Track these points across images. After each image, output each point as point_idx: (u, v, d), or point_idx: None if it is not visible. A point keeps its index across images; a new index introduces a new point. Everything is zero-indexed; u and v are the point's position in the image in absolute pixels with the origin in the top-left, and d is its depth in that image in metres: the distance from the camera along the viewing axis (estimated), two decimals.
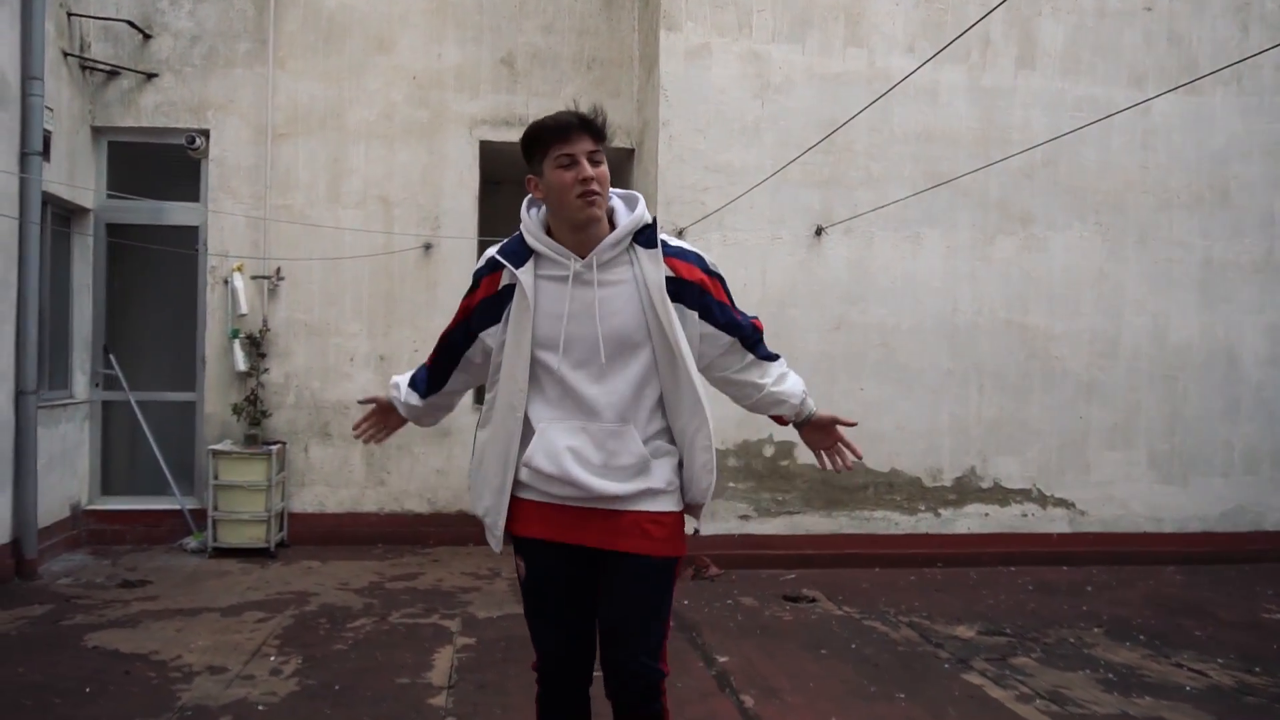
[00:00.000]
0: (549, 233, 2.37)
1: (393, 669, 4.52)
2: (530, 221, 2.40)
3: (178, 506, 7.13)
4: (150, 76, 7.12)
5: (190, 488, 7.28)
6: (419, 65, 7.40)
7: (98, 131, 7.16)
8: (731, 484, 6.65)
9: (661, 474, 2.40)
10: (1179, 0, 7.15)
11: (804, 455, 6.77)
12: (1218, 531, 7.20)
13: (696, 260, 2.41)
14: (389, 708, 4.03)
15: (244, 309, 7.06)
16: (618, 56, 7.59)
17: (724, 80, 6.71)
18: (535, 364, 2.37)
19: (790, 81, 6.77)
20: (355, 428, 2.83)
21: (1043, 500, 7.03)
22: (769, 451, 6.74)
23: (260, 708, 4.00)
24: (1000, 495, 6.99)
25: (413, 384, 2.69)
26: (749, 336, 2.50)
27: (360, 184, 7.33)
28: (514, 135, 7.38)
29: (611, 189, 2.36)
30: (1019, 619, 5.63)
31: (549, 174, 2.29)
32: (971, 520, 6.94)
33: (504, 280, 2.39)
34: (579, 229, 2.32)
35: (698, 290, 2.39)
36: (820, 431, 2.69)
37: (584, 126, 2.27)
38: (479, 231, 7.54)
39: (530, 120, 7.44)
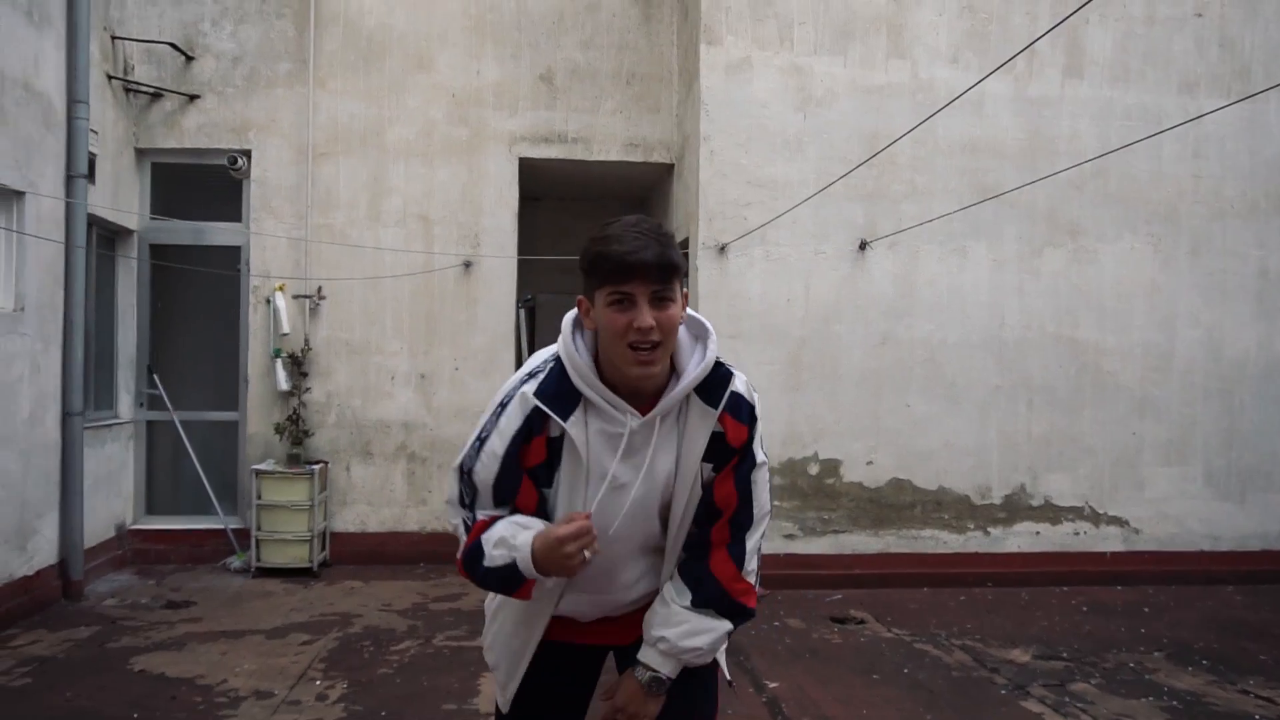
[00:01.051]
0: (598, 368, 1.94)
1: (439, 694, 4.48)
2: (579, 358, 1.93)
3: (221, 526, 7.14)
4: (193, 98, 7.17)
5: (234, 507, 7.29)
6: (458, 83, 7.40)
7: (141, 153, 7.21)
8: (776, 502, 6.55)
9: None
10: (1230, 5, 6.99)
11: (850, 473, 6.68)
12: (1278, 550, 7.00)
13: (749, 419, 2.01)
14: None
15: (286, 328, 7.08)
16: (657, 71, 7.55)
17: (765, 94, 6.64)
18: None
19: (832, 94, 6.69)
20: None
21: (1095, 518, 6.87)
22: (814, 469, 6.64)
23: None
24: (1051, 513, 6.84)
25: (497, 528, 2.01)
26: (707, 509, 2.03)
27: (400, 202, 7.33)
28: (553, 151, 7.42)
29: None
30: (1075, 642, 5.48)
31: (600, 310, 1.87)
32: (1022, 539, 6.79)
33: (551, 432, 1.94)
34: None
35: (730, 456, 2.00)
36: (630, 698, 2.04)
37: (650, 270, 1.83)
38: (519, 248, 7.51)
39: (571, 138, 7.42)
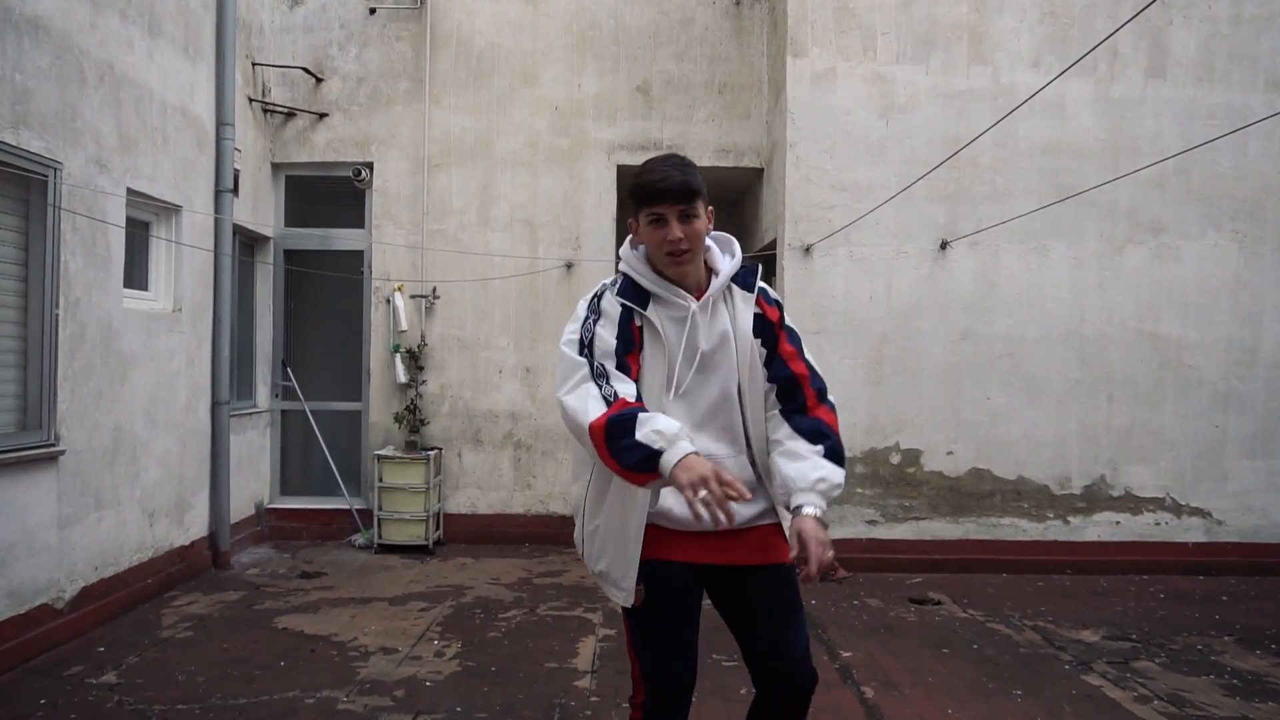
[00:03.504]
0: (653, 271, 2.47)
1: (542, 655, 4.99)
2: (638, 263, 2.48)
3: (347, 506, 7.84)
4: (321, 116, 7.88)
5: (358, 489, 7.99)
6: (560, 96, 7.93)
7: (276, 167, 7.96)
8: (859, 490, 6.91)
9: (765, 494, 2.51)
10: None
11: (930, 463, 6.97)
12: None
13: (775, 303, 2.56)
14: (540, 688, 4.49)
15: (404, 326, 7.73)
16: (748, 81, 7.95)
17: (849, 102, 6.98)
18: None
19: (914, 101, 6.98)
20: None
21: (1177, 509, 7.01)
22: (895, 459, 6.96)
23: (428, 684, 4.52)
24: (1132, 504, 7.01)
25: (639, 415, 2.23)
26: (788, 383, 2.49)
27: (507, 209, 7.91)
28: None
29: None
30: (1146, 625, 5.70)
31: (644, 227, 2.43)
32: (1102, 528, 6.99)
33: (636, 321, 2.44)
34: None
35: (773, 330, 2.52)
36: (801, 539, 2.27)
37: (676, 194, 2.34)
38: (617, 251, 7.99)
39: (665, 146, 8.03)
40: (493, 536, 7.82)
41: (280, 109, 7.81)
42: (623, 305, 2.43)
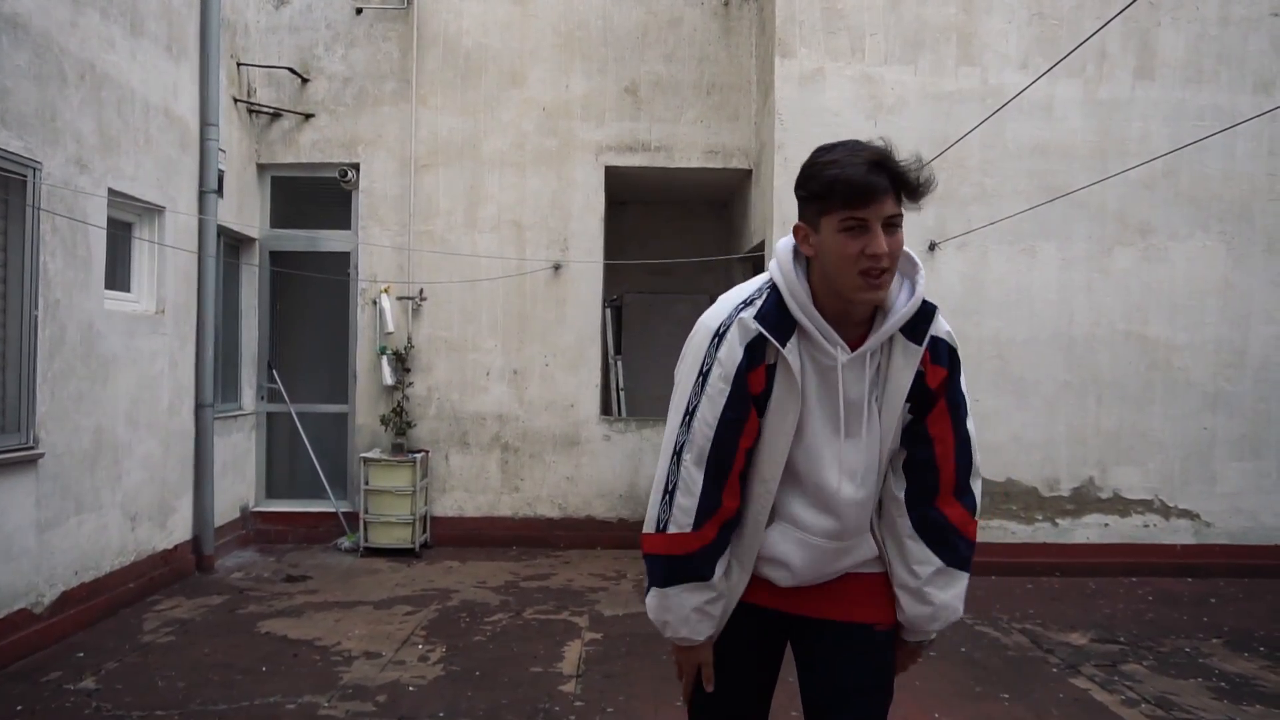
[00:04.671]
0: (814, 297, 1.94)
1: (527, 659, 4.95)
2: (799, 287, 1.93)
3: (333, 509, 7.79)
4: (308, 116, 7.83)
5: (344, 492, 7.93)
6: (548, 96, 7.90)
7: (262, 168, 7.91)
8: None
9: (873, 543, 2.12)
10: None
11: None
12: None
13: (948, 362, 2.01)
14: (524, 692, 4.45)
15: (391, 328, 7.68)
16: (736, 81, 7.93)
17: (837, 103, 6.95)
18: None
19: (903, 102, 6.97)
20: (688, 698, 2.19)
21: (1165, 511, 7.00)
22: None
23: (411, 688, 4.48)
24: (1120, 505, 6.99)
25: (704, 559, 1.99)
26: (923, 467, 2.04)
27: (495, 210, 7.87)
28: (637, 160, 7.86)
29: None
30: (1134, 628, 5.68)
31: (828, 235, 1.83)
32: (1090, 530, 6.97)
33: (769, 359, 1.94)
34: (849, 304, 1.91)
35: (930, 398, 2.01)
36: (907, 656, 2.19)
37: (887, 196, 1.81)
38: (606, 251, 7.98)
39: (654, 147, 7.90)
40: (480, 540, 7.77)
41: (266, 109, 7.76)
42: (752, 340, 1.92)
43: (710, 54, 7.93)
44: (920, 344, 1.94)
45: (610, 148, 7.92)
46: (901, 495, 2.05)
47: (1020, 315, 6.99)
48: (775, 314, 1.92)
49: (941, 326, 2.00)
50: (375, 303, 7.78)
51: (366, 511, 7.41)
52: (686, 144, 7.91)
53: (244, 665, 4.77)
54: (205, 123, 6.75)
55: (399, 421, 7.68)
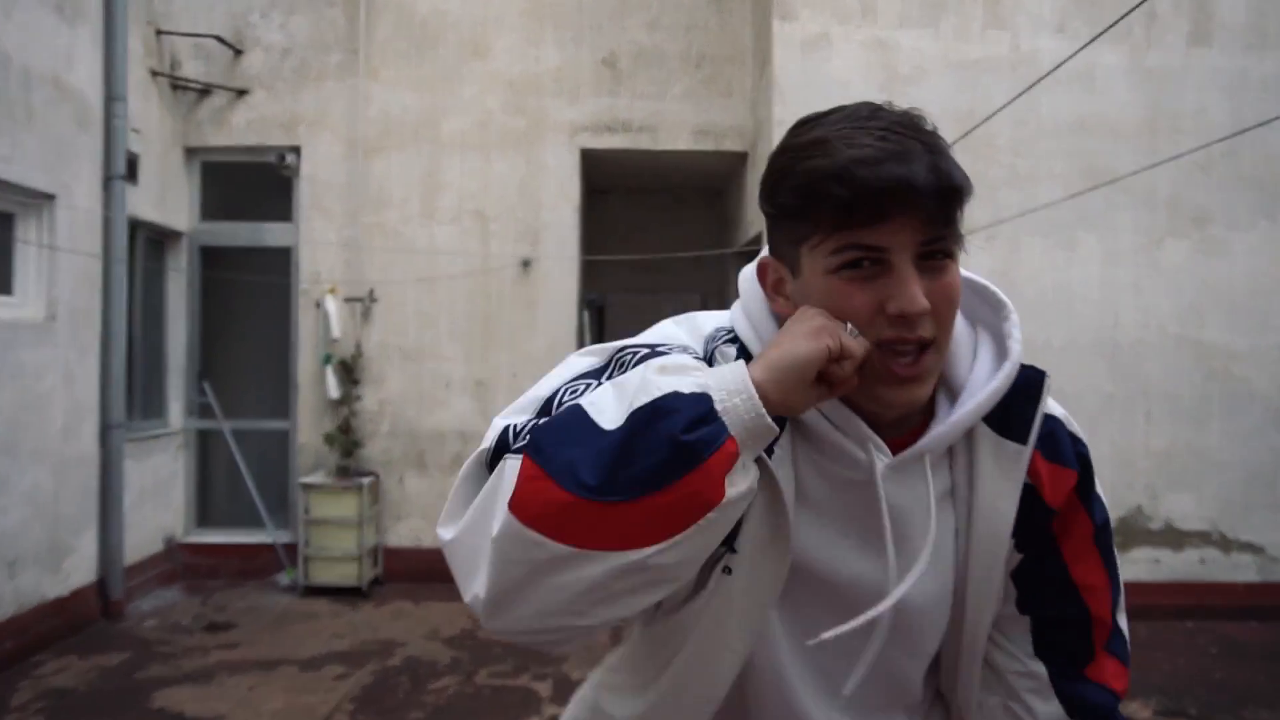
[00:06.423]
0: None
1: None
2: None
3: (271, 541, 6.84)
4: (241, 93, 6.86)
5: (285, 520, 6.99)
6: (516, 70, 6.94)
7: (190, 152, 6.94)
8: None
9: None
10: None
11: None
12: None
13: (1076, 460, 1.19)
14: None
15: (336, 333, 6.73)
16: (729, 52, 6.97)
17: (845, 73, 6.01)
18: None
19: (921, 71, 6.02)
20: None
21: (1225, 544, 6.07)
22: None
23: None
24: (1174, 538, 6.07)
25: None
26: (1070, 627, 1.21)
27: (455, 198, 6.91)
28: (617, 141, 6.90)
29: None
30: (1202, 691, 4.77)
31: (815, 280, 1.04)
32: (1139, 567, 6.04)
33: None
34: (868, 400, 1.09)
35: (1053, 524, 1.19)
36: None
37: (919, 200, 0.97)
38: (585, 245, 7.03)
39: (636, 126, 6.68)
40: (439, 574, 6.74)
41: (193, 85, 6.79)
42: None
43: (699, 20, 6.97)
44: (1025, 441, 1.12)
45: (586, 128, 6.96)
46: (1046, 674, 1.19)
47: (1057, 317, 6.06)
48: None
49: (1055, 406, 1.19)
50: (319, 305, 6.82)
51: (306, 544, 6.46)
52: (673, 123, 6.96)
53: None
54: (111, 97, 5.79)
55: (345, 440, 6.73)
